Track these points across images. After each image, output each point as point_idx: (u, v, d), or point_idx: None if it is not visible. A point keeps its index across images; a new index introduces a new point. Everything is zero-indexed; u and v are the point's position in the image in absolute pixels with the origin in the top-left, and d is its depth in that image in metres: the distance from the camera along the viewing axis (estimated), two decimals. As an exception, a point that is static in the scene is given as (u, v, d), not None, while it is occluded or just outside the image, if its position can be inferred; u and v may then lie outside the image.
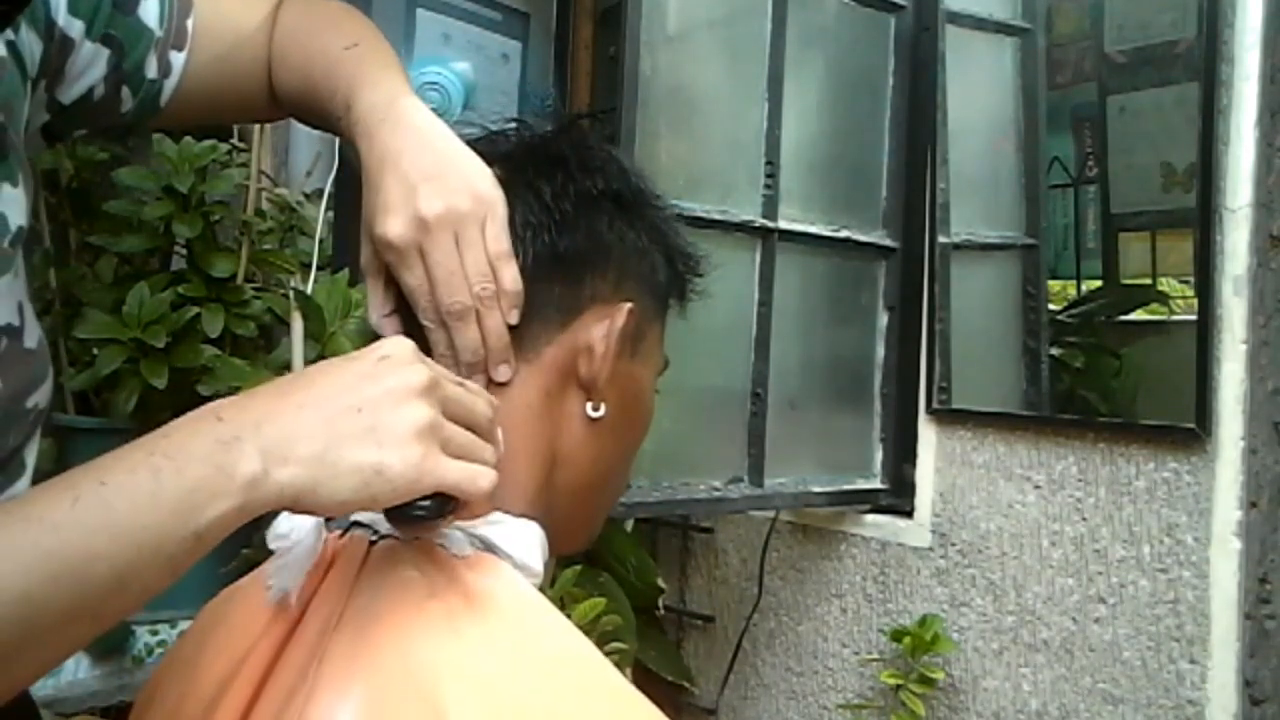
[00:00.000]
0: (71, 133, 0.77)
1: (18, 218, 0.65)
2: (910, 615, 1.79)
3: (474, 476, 0.54)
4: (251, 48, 0.78)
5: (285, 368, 1.57)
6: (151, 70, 0.74)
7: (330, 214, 1.79)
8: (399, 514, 0.55)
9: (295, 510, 0.52)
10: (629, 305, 0.66)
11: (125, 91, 0.74)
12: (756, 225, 1.69)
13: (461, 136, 0.67)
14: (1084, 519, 1.62)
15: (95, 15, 0.71)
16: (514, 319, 0.63)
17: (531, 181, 0.65)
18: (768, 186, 1.70)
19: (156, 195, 1.52)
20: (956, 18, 1.84)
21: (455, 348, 0.63)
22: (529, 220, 0.64)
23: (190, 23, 0.76)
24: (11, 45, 0.65)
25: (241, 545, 1.35)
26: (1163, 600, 1.53)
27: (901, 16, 1.87)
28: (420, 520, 0.55)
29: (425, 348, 0.62)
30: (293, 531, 0.61)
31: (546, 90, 2.51)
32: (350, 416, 0.52)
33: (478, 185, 0.63)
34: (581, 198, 0.66)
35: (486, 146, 0.67)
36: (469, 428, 0.56)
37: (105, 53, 0.72)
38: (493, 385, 0.64)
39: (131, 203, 1.55)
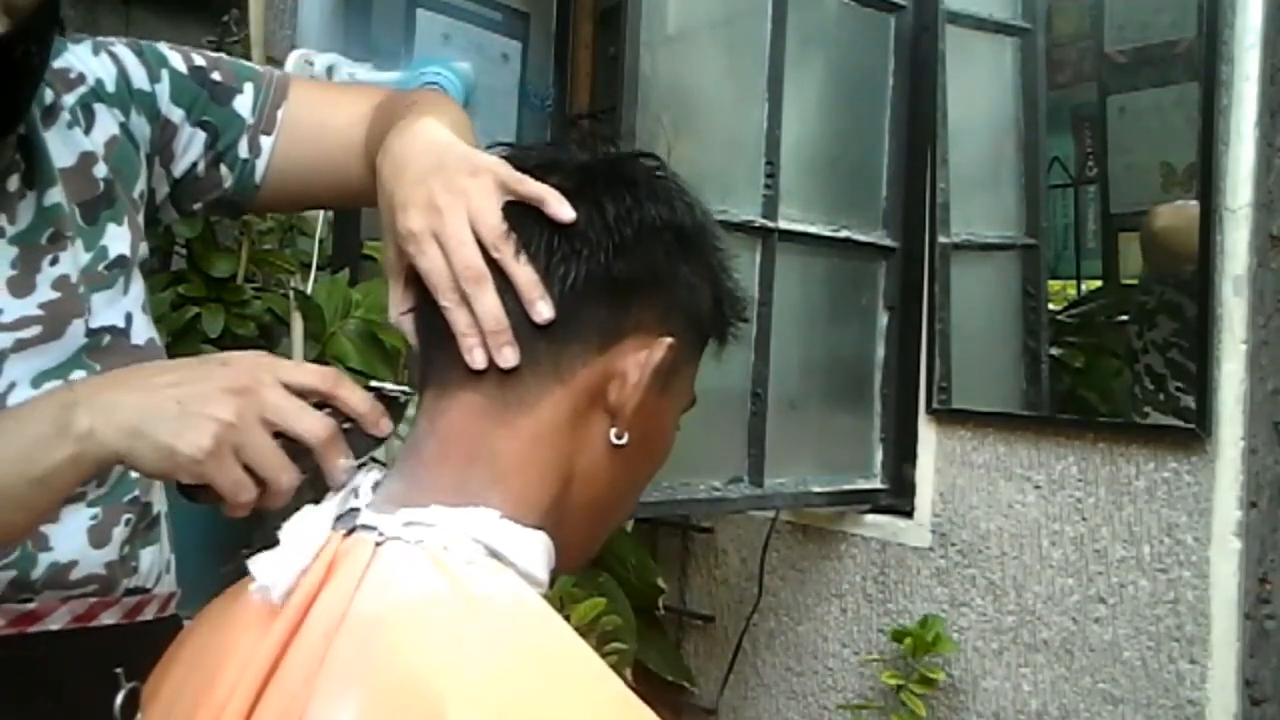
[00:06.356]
0: (191, 204, 0.92)
1: (119, 248, 0.83)
2: (910, 615, 1.79)
3: (236, 492, 0.61)
4: (340, 138, 0.90)
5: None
6: (244, 151, 0.90)
7: (330, 214, 1.79)
8: (185, 490, 0.63)
9: (128, 466, 0.64)
10: (670, 340, 0.65)
11: (223, 169, 0.90)
12: (756, 225, 1.69)
13: (524, 150, 0.69)
14: (1084, 519, 1.62)
15: (194, 104, 0.88)
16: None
17: (598, 199, 0.64)
18: (768, 186, 1.70)
19: (156, 195, 1.52)
20: (956, 18, 1.84)
21: (478, 316, 0.62)
22: (587, 236, 0.63)
23: (280, 112, 0.91)
24: (124, 126, 0.85)
25: (242, 545, 1.35)
26: (1163, 600, 1.53)
27: (901, 16, 1.87)
28: (193, 500, 0.64)
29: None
30: (292, 529, 0.61)
31: (546, 90, 2.51)
32: (168, 403, 0.62)
33: (476, 160, 0.66)
34: (644, 224, 0.65)
35: (553, 157, 0.67)
36: (293, 439, 0.62)
37: (202, 135, 0.89)
38: (527, 396, 0.63)
39: (131, 203, 1.55)
